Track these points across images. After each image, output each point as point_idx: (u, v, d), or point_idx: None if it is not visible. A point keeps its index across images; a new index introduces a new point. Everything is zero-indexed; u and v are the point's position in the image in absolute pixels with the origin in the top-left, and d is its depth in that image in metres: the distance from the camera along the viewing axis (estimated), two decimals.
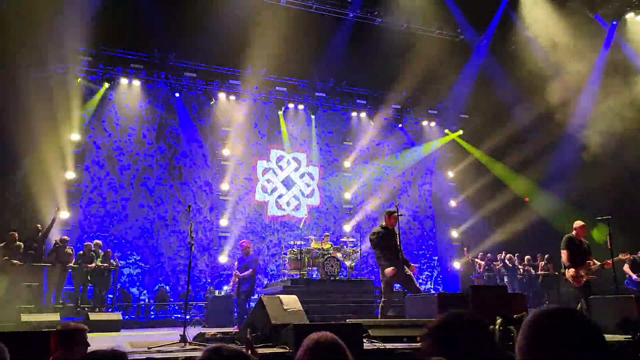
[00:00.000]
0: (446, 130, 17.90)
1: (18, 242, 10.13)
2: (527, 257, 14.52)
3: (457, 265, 16.59)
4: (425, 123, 17.85)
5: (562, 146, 14.55)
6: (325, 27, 14.39)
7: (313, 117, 16.36)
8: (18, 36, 11.17)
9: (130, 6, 12.33)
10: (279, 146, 16.05)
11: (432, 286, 16.57)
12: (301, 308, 5.72)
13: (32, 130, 11.50)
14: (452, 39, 15.67)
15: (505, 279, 14.02)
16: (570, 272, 7.30)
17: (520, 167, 15.85)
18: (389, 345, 4.95)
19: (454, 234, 17.09)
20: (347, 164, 16.64)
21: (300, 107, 16.21)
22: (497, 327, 4.96)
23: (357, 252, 12.92)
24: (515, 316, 4.68)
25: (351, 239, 13.29)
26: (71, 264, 10.80)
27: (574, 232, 7.49)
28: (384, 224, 7.30)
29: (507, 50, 15.44)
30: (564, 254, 7.38)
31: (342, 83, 16.36)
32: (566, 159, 14.26)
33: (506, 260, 14.43)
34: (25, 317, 8.19)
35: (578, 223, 7.55)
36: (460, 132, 17.83)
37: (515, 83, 14.66)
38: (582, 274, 7.25)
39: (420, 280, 16.52)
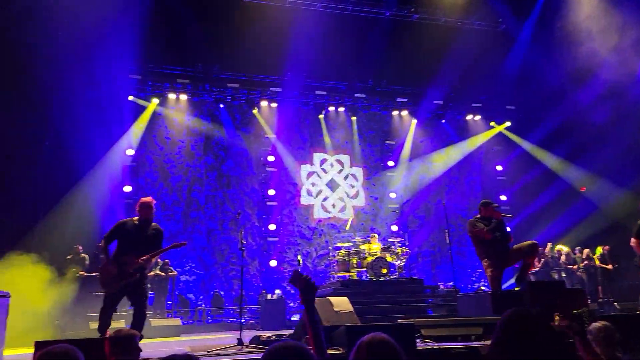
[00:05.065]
0: (492, 123, 17.50)
1: (82, 255, 10.76)
2: (586, 250, 13.95)
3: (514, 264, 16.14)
4: (469, 117, 17.53)
5: (618, 131, 13.91)
6: (361, 28, 14.43)
7: (354, 118, 16.42)
8: (72, 60, 11.87)
9: (174, 24, 12.81)
10: (322, 149, 16.21)
11: (485, 283, 16.23)
12: (352, 309, 5.81)
13: (91, 147, 12.18)
14: (492, 29, 15.34)
15: (563, 274, 13.55)
16: None
17: (574, 156, 15.26)
18: (442, 345, 4.96)
19: (506, 228, 16.65)
20: (390, 163, 16.59)
21: (341, 109, 16.31)
22: (555, 324, 4.87)
23: (406, 251, 12.86)
24: (574, 312, 4.56)
25: (399, 239, 13.23)
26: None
27: None
28: (479, 215, 7.12)
29: (553, 36, 14.94)
30: (634, 243, 6.80)
31: (381, 83, 16.34)
32: (623, 145, 13.62)
33: (563, 255, 13.94)
34: (93, 325, 8.66)
35: None
36: (508, 123, 17.38)
37: (564, 69, 14.15)
38: None
39: (473, 278, 16.24)
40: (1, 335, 4.97)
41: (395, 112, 16.90)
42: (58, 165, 11.98)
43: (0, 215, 9.79)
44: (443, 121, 17.24)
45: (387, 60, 14.98)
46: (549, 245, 14.12)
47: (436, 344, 4.99)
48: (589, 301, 8.41)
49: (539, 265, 13.73)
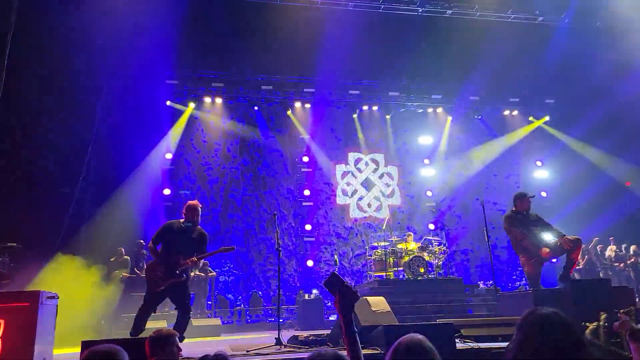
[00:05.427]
0: (530, 118, 17.05)
1: (125, 256, 11.10)
2: (633, 247, 13.39)
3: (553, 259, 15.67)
4: (506, 112, 17.13)
5: None
6: (394, 25, 14.29)
7: (388, 117, 16.32)
8: (112, 69, 12.29)
9: (209, 29, 13.06)
10: (356, 149, 16.18)
11: (526, 282, 15.81)
12: (389, 309, 5.77)
13: (131, 152, 12.57)
14: (530, 22, 14.91)
15: (609, 272, 13.06)
16: None
17: (618, 150, 14.66)
18: (482, 345, 4.87)
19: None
20: (426, 161, 16.39)
21: (375, 108, 16.25)
22: (601, 323, 4.71)
23: (444, 250, 12.67)
24: (621, 311, 4.39)
25: (436, 237, 13.06)
26: None
27: None
28: (514, 208, 6.88)
29: (593, 27, 14.40)
30: None
31: (415, 80, 16.16)
32: None
33: (608, 252, 13.43)
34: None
35: None
36: (547, 118, 16.88)
37: (606, 60, 13.61)
38: None
39: (514, 276, 15.86)
40: (51, 335, 5.17)
41: (430, 109, 16.69)
42: (101, 170, 12.42)
43: (48, 219, 10.21)
44: (480, 117, 16.91)
45: (421, 57, 14.80)
46: (594, 242, 13.64)
47: (476, 344, 4.90)
48: (638, 299, 8.08)
49: (583, 263, 13.27)
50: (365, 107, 16.15)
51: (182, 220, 5.93)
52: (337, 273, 2.71)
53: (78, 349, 5.17)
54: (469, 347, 4.79)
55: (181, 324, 5.64)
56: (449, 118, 16.59)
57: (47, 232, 9.90)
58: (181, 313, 5.70)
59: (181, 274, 5.71)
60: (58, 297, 5.32)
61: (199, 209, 5.99)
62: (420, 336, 2.06)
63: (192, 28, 12.59)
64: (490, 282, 13.89)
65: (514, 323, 5.46)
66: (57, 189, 10.37)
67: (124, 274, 10.73)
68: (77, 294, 8.44)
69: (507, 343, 4.77)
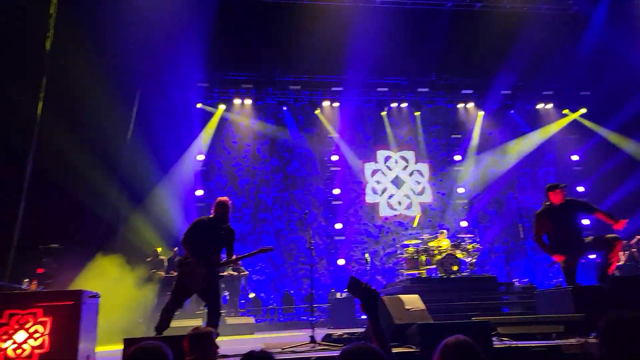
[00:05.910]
0: (565, 111, 16.59)
1: (161, 257, 11.36)
2: None
3: (592, 255, 15.23)
4: (540, 106, 16.73)
5: None
6: (422, 21, 14.14)
7: (417, 113, 16.16)
8: (145, 73, 12.57)
9: (237, 31, 13.23)
10: (386, 146, 16.10)
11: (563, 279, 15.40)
12: (424, 307, 5.73)
13: (164, 154, 12.87)
14: (563, 13, 14.52)
15: None
16: None
17: None
18: (520, 343, 4.78)
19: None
20: (457, 157, 16.17)
21: (403, 105, 16.13)
22: None
23: (477, 247, 12.47)
24: None
25: (469, 235, 12.86)
26: None
27: None
28: (547, 202, 6.55)
29: (630, 15, 13.91)
30: None
31: (444, 75, 15.95)
32: None
33: None
34: (173, 323, 9.13)
35: None
36: (583, 110, 16.40)
37: None
38: None
39: (550, 274, 15.46)
40: (93, 332, 5.35)
41: (460, 105, 16.46)
42: (136, 173, 12.74)
43: (88, 221, 10.56)
44: (512, 111, 16.57)
45: (449, 52, 14.59)
46: (636, 238, 13.17)
47: (514, 342, 4.82)
48: None
49: (625, 259, 12.84)
50: (394, 105, 16.05)
51: (211, 216, 5.84)
52: (354, 276, 2.78)
53: (118, 347, 5.33)
54: (507, 346, 4.71)
55: (213, 322, 5.57)
56: (481, 113, 16.32)
57: (86, 233, 10.23)
58: (213, 311, 5.64)
59: (218, 273, 5.72)
60: (99, 296, 5.51)
61: (229, 204, 5.90)
62: (463, 337, 2.06)
63: (222, 31, 12.77)
64: (526, 279, 13.62)
65: (553, 321, 5.34)
66: (95, 191, 10.69)
67: (159, 273, 10.98)
68: (116, 294, 8.69)
69: (547, 342, 4.67)
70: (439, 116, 16.55)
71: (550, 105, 16.68)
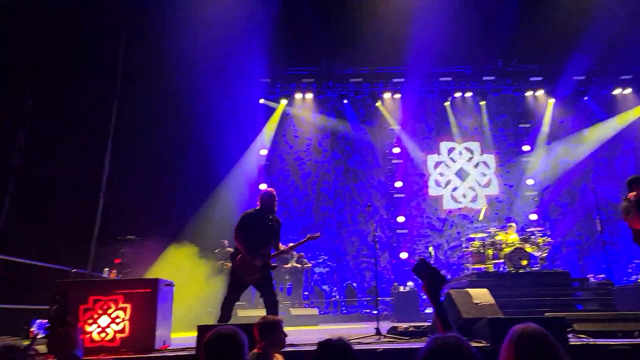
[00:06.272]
0: None
1: (228, 248, 11.73)
2: None
3: None
4: (617, 91, 15.65)
5: None
6: (487, 6, 13.60)
7: (483, 103, 15.62)
8: (209, 71, 12.98)
9: (298, 26, 13.35)
10: (449, 138, 15.72)
11: None
12: (493, 301, 5.57)
13: (229, 149, 13.28)
14: None
15: None
16: None
17: None
18: (599, 341, 4.54)
19: None
20: (526, 147, 15.48)
21: (468, 94, 15.65)
22: None
23: (548, 241, 11.92)
24: None
25: (539, 228, 12.31)
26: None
27: None
28: (628, 195, 6.31)
29: None
30: None
31: (511, 62, 15.28)
32: None
33: None
34: (240, 313, 9.47)
35: None
36: None
37: None
38: None
39: (629, 270, 14.53)
40: (169, 319, 5.64)
41: (529, 93, 15.73)
42: (203, 168, 13.25)
43: (160, 213, 11.12)
44: (586, 98, 15.62)
45: (516, 38, 13.98)
46: None
47: (592, 340, 4.58)
48: None
49: None
50: (457, 94, 15.61)
51: (257, 208, 5.87)
52: (424, 258, 2.75)
53: (190, 334, 5.59)
54: (585, 343, 4.48)
55: (271, 313, 5.59)
56: (551, 101, 15.52)
57: (159, 226, 10.77)
58: (269, 302, 5.68)
59: (270, 264, 5.75)
60: (173, 285, 5.79)
61: (274, 195, 5.92)
62: (536, 325, 1.99)
63: (282, 27, 12.92)
64: (602, 275, 12.85)
65: (634, 318, 5.04)
66: (166, 186, 11.22)
67: (226, 264, 11.35)
68: (187, 283, 9.09)
69: (629, 340, 4.41)
70: (506, 105, 15.91)
71: (628, 91, 15.57)
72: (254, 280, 5.72)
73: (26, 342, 4.80)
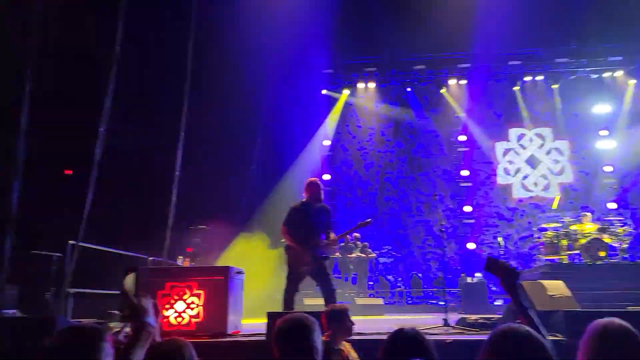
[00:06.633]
0: None
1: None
2: None
3: None
4: None
5: None
6: None
7: (555, 86, 14.82)
8: (273, 63, 13.21)
9: (360, 15, 13.27)
10: (519, 124, 15.08)
11: None
12: (570, 294, 5.33)
13: (293, 140, 13.51)
14: None
15: None
16: None
17: None
18: None
19: None
20: (603, 132, 14.54)
21: (539, 78, 14.89)
22: None
23: (629, 231, 11.17)
24: None
25: (619, 217, 11.56)
26: (335, 255, 12.23)
27: None
28: None
29: None
30: None
31: (587, 42, 14.33)
32: None
33: None
34: (307, 301, 9.65)
35: None
36: None
37: None
38: None
39: None
40: (240, 306, 5.85)
41: (606, 74, 14.72)
42: (269, 158, 13.56)
43: (230, 203, 11.53)
44: None
45: (593, 16, 13.07)
46: None
47: None
48: None
49: None
50: (527, 78, 14.89)
51: (304, 200, 5.84)
52: (491, 256, 2.70)
53: (259, 320, 5.77)
54: None
55: (330, 296, 5.57)
56: (632, 82, 14.45)
57: (228, 214, 11.17)
58: (326, 292, 5.65)
59: (325, 254, 5.70)
60: (244, 273, 6.00)
61: (320, 184, 5.86)
62: (619, 320, 1.89)
63: (344, 16, 12.89)
64: None
65: None
66: (233, 175, 11.60)
67: None
68: (255, 271, 9.37)
69: None
70: (581, 88, 14.97)
71: None
72: (307, 272, 5.72)
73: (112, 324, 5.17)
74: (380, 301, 10.89)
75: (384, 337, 2.34)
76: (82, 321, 6.26)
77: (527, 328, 1.78)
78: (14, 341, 4.28)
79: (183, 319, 5.34)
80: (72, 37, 8.54)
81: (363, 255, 12.30)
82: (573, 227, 10.95)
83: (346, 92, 15.19)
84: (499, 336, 1.72)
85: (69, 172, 10.07)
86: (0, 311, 6.08)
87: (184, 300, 5.37)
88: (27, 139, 6.50)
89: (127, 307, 2.21)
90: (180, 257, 9.37)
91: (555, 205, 12.58)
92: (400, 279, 14.33)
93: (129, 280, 5.46)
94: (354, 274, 12.34)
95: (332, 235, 5.76)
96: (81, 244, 6.82)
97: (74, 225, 6.79)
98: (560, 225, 11.27)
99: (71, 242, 6.94)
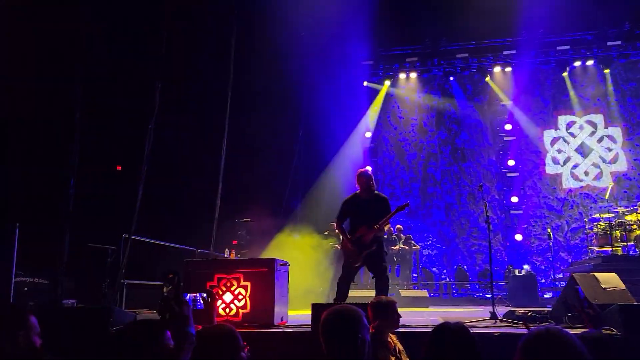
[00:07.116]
0: None
1: (337, 231, 12.03)
2: None
3: None
4: None
5: None
6: None
7: (607, 71, 14.14)
8: (313, 57, 13.24)
9: (399, 4, 13.08)
10: (568, 111, 14.50)
11: None
12: (624, 287, 5.13)
13: (334, 133, 13.52)
14: None
15: None
16: None
17: None
18: None
19: None
20: None
21: (589, 62, 14.24)
22: None
23: None
24: None
25: None
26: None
27: None
28: None
29: None
30: None
31: None
32: None
33: None
34: (352, 293, 9.66)
35: None
36: None
37: None
38: None
39: None
40: (285, 297, 5.96)
41: None
42: (311, 151, 13.65)
43: (273, 196, 11.71)
44: None
45: None
46: None
47: None
48: None
49: None
50: (577, 63, 14.27)
51: (357, 192, 5.88)
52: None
53: (305, 312, 5.85)
54: None
55: (382, 291, 5.57)
56: None
57: (272, 208, 11.34)
58: (379, 281, 5.69)
59: (371, 244, 5.68)
60: (288, 265, 6.09)
61: (369, 174, 5.88)
62: None
63: (384, 6, 12.74)
64: None
65: None
66: (276, 169, 11.76)
67: (335, 245, 11.64)
68: (299, 264, 9.48)
69: None
70: (636, 72, 14.25)
71: None
72: (356, 264, 5.80)
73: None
74: (424, 293, 10.80)
75: (429, 329, 2.34)
76: (136, 311, 6.56)
77: (564, 331, 1.73)
78: (74, 329, 4.53)
79: (231, 309, 5.48)
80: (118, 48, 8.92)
81: (406, 247, 12.22)
82: (628, 218, 10.53)
83: (387, 83, 15.04)
84: (532, 342, 1.67)
85: (119, 168, 10.49)
86: (61, 301, 6.44)
87: (232, 292, 5.50)
88: (80, 137, 6.81)
89: (168, 314, 2.27)
90: (226, 249, 9.60)
91: (607, 195, 12.10)
92: (445, 271, 14.17)
93: (170, 286, 5.66)
94: (397, 266, 12.28)
95: (375, 226, 5.68)
96: (134, 237, 7.09)
97: (126, 219, 7.08)
98: (614, 215, 10.86)
99: (124, 235, 7.24)
